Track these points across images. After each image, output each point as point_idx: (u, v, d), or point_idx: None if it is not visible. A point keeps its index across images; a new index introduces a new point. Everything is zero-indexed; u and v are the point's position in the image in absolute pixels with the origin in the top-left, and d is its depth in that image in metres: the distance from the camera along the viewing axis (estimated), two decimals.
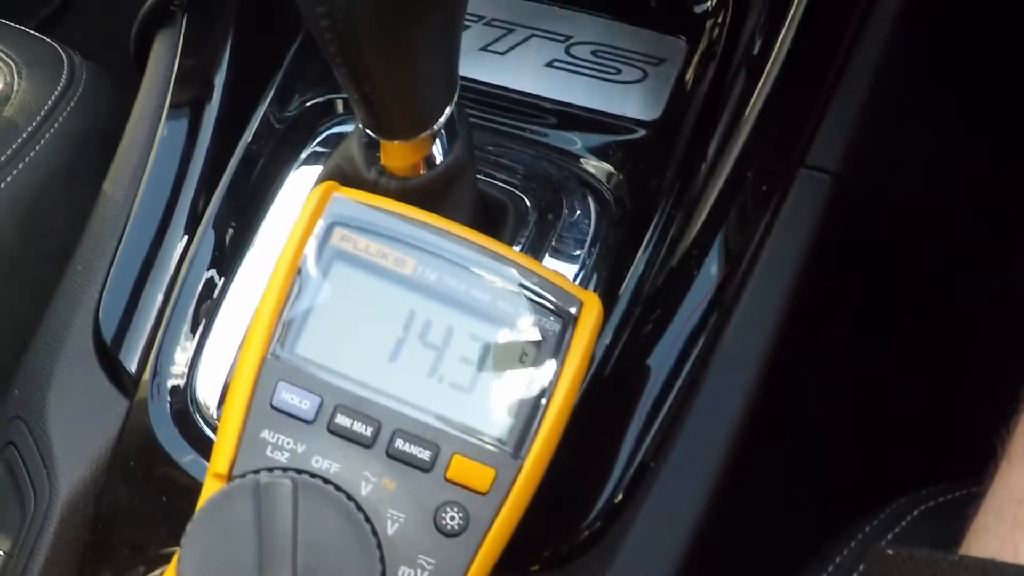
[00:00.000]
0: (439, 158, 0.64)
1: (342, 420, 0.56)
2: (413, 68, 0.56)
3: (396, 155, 0.63)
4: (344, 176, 0.65)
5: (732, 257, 0.66)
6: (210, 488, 0.56)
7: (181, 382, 0.72)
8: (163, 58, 0.80)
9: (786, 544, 0.67)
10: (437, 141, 0.63)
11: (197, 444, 0.70)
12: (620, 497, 0.64)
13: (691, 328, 0.66)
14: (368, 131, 0.62)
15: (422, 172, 0.64)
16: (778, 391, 0.66)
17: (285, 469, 0.55)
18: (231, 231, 0.76)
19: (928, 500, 0.63)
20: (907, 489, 0.65)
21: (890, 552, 0.50)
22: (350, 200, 0.60)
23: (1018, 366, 0.57)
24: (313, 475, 0.55)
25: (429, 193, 0.64)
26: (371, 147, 0.63)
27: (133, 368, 0.73)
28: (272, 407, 0.56)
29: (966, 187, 0.86)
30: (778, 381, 0.66)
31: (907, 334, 0.93)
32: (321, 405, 0.56)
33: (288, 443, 0.56)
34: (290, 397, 0.56)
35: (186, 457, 0.70)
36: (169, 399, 0.72)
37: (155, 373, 0.72)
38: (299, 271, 0.59)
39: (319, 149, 0.79)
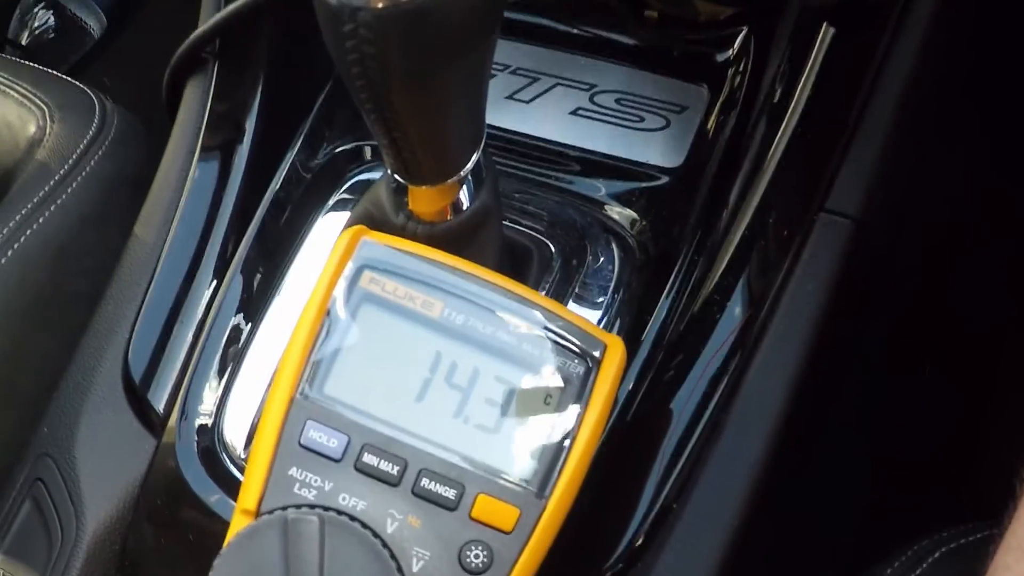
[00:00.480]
0: (466, 204, 0.66)
1: (369, 459, 0.58)
2: (441, 115, 0.58)
3: (424, 200, 0.65)
4: (372, 220, 0.67)
5: (753, 302, 0.68)
6: (238, 524, 0.58)
7: (208, 422, 0.74)
8: (195, 103, 0.82)
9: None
10: (464, 187, 0.65)
11: (223, 483, 0.72)
12: (641, 540, 0.65)
13: (713, 372, 0.67)
14: (397, 176, 0.64)
15: (449, 217, 0.66)
16: (799, 434, 0.68)
17: (312, 506, 0.57)
18: (259, 276, 0.79)
19: (950, 542, 0.65)
20: (929, 530, 0.66)
21: None
22: (379, 244, 0.62)
23: None
24: (340, 512, 0.57)
25: (456, 238, 0.66)
26: (399, 192, 0.66)
27: (161, 408, 0.75)
28: (300, 445, 0.58)
29: (991, 226, 0.88)
30: (799, 424, 0.67)
31: (929, 380, 0.95)
32: (349, 444, 0.58)
33: (316, 480, 0.58)
34: (318, 436, 0.58)
35: (212, 496, 0.72)
36: (196, 438, 0.74)
37: (183, 413, 0.74)
38: (328, 312, 0.61)
39: (346, 196, 0.82)
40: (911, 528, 0.67)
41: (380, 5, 0.51)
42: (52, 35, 1.40)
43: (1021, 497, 0.51)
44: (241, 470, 0.72)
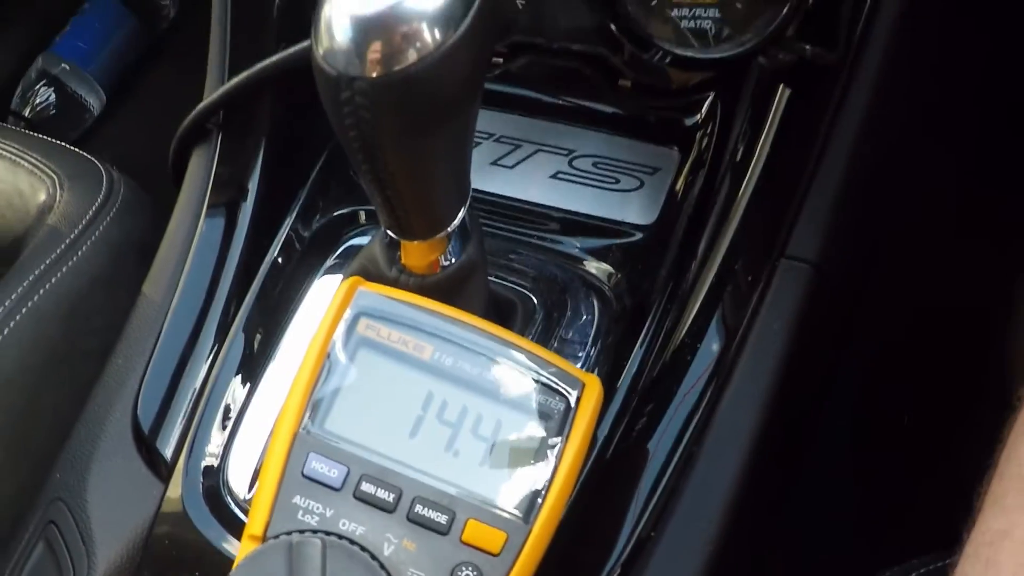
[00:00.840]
0: (454, 258, 0.72)
1: (367, 487, 0.63)
2: (430, 173, 0.65)
3: (415, 254, 0.71)
4: (367, 274, 0.73)
5: (723, 342, 0.74)
6: (246, 548, 0.63)
7: (213, 468, 0.79)
8: (200, 171, 0.89)
9: None
10: (452, 242, 0.71)
11: (227, 524, 0.77)
12: (620, 570, 0.71)
13: (687, 408, 0.73)
14: (390, 232, 0.70)
15: (438, 270, 0.72)
16: (770, 465, 0.74)
17: (315, 531, 0.62)
18: (259, 334, 0.84)
19: (918, 568, 0.70)
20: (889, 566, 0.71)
21: None
22: (374, 293, 0.69)
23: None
24: (340, 536, 0.62)
25: (445, 289, 0.72)
26: (392, 247, 0.72)
27: (169, 455, 0.80)
28: (303, 475, 0.64)
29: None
30: (769, 456, 0.73)
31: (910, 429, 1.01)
32: (348, 474, 0.64)
33: (318, 508, 0.63)
34: (320, 467, 0.64)
35: (217, 536, 0.77)
36: (202, 482, 0.79)
37: (189, 460, 0.80)
38: (328, 355, 0.67)
39: (339, 260, 0.88)
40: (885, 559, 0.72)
41: (374, 75, 0.58)
42: (53, 111, 1.47)
43: (977, 509, 0.57)
44: (244, 511, 0.77)
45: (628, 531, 0.71)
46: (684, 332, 0.76)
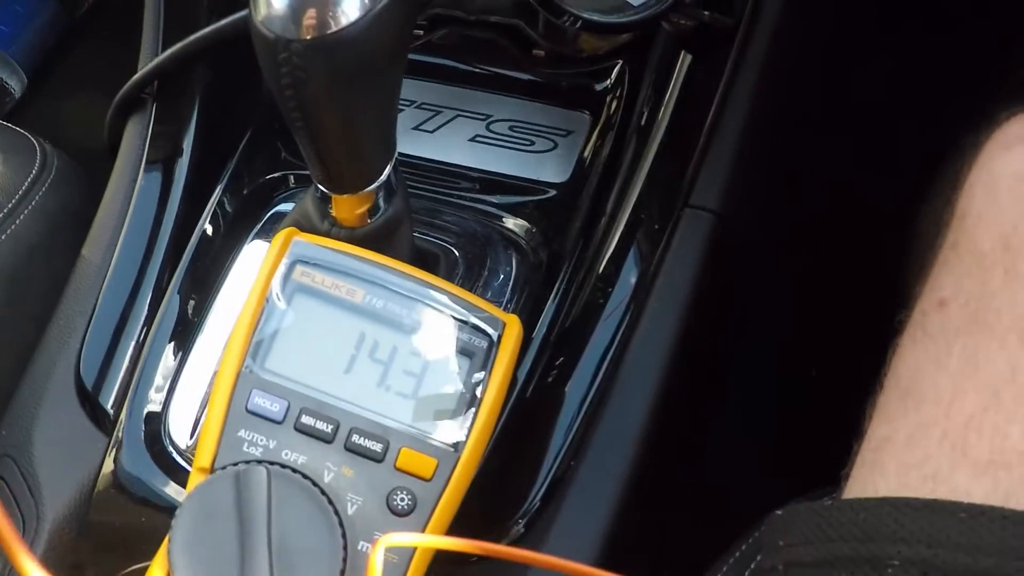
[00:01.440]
0: (381, 211, 0.78)
1: (307, 420, 0.69)
2: (359, 130, 0.71)
3: (345, 207, 0.76)
4: (300, 227, 0.78)
5: (631, 287, 0.81)
6: (195, 479, 0.68)
7: (153, 417, 0.84)
8: (135, 140, 0.93)
9: (696, 540, 0.80)
10: (379, 196, 0.77)
11: (169, 471, 0.82)
12: (543, 493, 0.77)
13: (600, 349, 0.80)
14: (321, 187, 0.76)
15: (367, 223, 0.78)
16: (678, 398, 0.81)
17: (260, 461, 0.68)
18: (195, 294, 0.89)
19: (821, 496, 0.77)
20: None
21: (779, 512, 0.63)
22: (309, 243, 0.74)
23: None
24: (284, 466, 0.67)
25: (373, 240, 0.78)
26: (324, 201, 0.77)
27: (111, 409, 0.85)
28: (247, 411, 0.69)
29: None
30: (677, 389, 0.80)
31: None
32: (288, 408, 0.69)
33: (262, 440, 0.69)
34: (263, 402, 0.69)
35: (160, 482, 0.82)
36: (143, 432, 0.83)
37: (131, 412, 0.84)
38: (267, 300, 0.72)
39: (269, 225, 0.93)
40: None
41: (308, 37, 0.63)
42: None
43: (866, 425, 0.64)
44: (185, 459, 0.82)
45: (548, 464, 0.78)
46: (596, 279, 0.83)
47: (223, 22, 0.89)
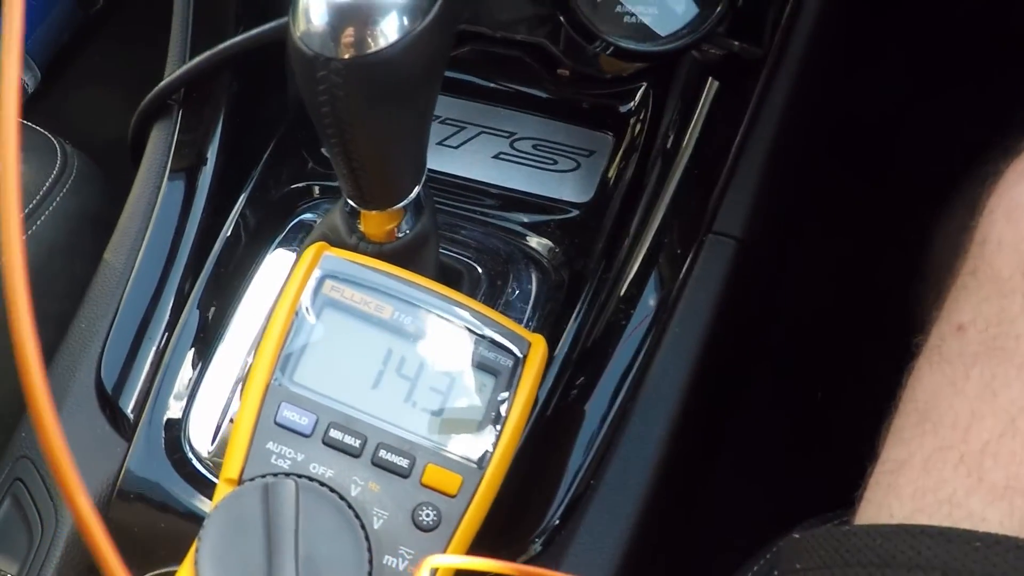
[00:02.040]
0: (409, 228, 0.79)
1: (335, 434, 0.70)
2: (393, 148, 0.72)
3: (374, 223, 0.78)
4: (328, 241, 0.80)
5: (654, 310, 0.82)
6: (222, 491, 0.69)
7: (174, 423, 0.85)
8: (161, 145, 0.94)
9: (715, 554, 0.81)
10: (408, 213, 0.78)
11: (189, 477, 0.83)
12: (562, 511, 0.78)
13: (621, 369, 0.81)
14: (351, 202, 0.77)
15: (395, 239, 0.79)
16: (696, 426, 0.82)
17: (288, 474, 0.69)
18: (216, 301, 0.90)
19: (832, 520, 0.78)
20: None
21: (796, 536, 0.65)
22: (338, 257, 0.76)
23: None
24: (311, 479, 0.69)
25: (400, 256, 0.79)
26: (353, 216, 0.78)
27: (131, 414, 0.86)
28: (276, 423, 0.70)
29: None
30: (697, 411, 0.81)
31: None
32: (317, 422, 0.70)
33: (290, 452, 0.70)
34: (291, 415, 0.71)
35: (179, 489, 0.83)
36: (163, 438, 0.84)
37: (151, 417, 0.85)
38: (296, 314, 0.73)
39: (292, 234, 0.94)
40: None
41: (347, 57, 0.64)
42: None
43: (880, 445, 0.65)
44: (205, 465, 0.83)
45: (569, 481, 0.79)
46: (618, 300, 0.84)
47: (253, 32, 0.90)
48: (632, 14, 0.80)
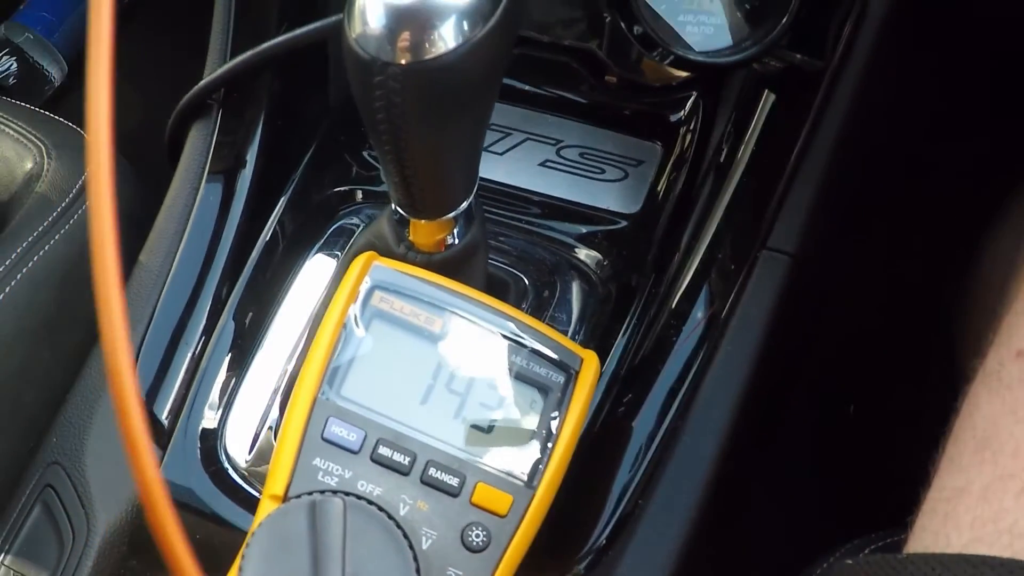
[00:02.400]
0: (459, 238, 0.77)
1: (384, 451, 0.69)
2: (448, 157, 0.70)
3: (424, 233, 0.76)
4: (375, 250, 0.78)
5: (706, 326, 0.81)
6: (266, 507, 0.68)
7: (210, 433, 0.83)
8: (199, 145, 0.92)
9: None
10: (459, 223, 0.76)
11: (226, 490, 0.81)
12: (610, 531, 0.77)
13: (671, 385, 0.80)
14: (401, 211, 0.75)
15: (444, 248, 0.77)
16: (746, 444, 0.80)
17: (335, 491, 0.67)
18: (254, 307, 0.89)
19: (875, 541, 0.77)
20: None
21: (849, 562, 0.63)
22: (388, 268, 0.74)
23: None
24: (359, 497, 0.67)
25: (449, 266, 0.77)
26: (401, 224, 0.77)
27: (165, 421, 0.84)
28: (323, 439, 0.69)
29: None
30: (748, 429, 0.80)
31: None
32: (365, 438, 0.69)
33: (337, 469, 0.68)
34: (339, 430, 0.69)
35: (216, 501, 0.81)
36: (199, 448, 0.83)
37: (186, 426, 0.84)
38: (345, 326, 0.72)
39: (333, 238, 0.92)
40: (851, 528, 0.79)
41: (403, 62, 0.62)
42: (14, 80, 1.48)
43: (932, 471, 0.64)
44: (242, 476, 0.82)
45: (616, 499, 0.78)
46: (669, 315, 0.82)
47: (297, 32, 0.88)
48: (695, 24, 0.79)
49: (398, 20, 0.61)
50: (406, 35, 0.61)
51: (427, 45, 0.61)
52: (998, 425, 0.63)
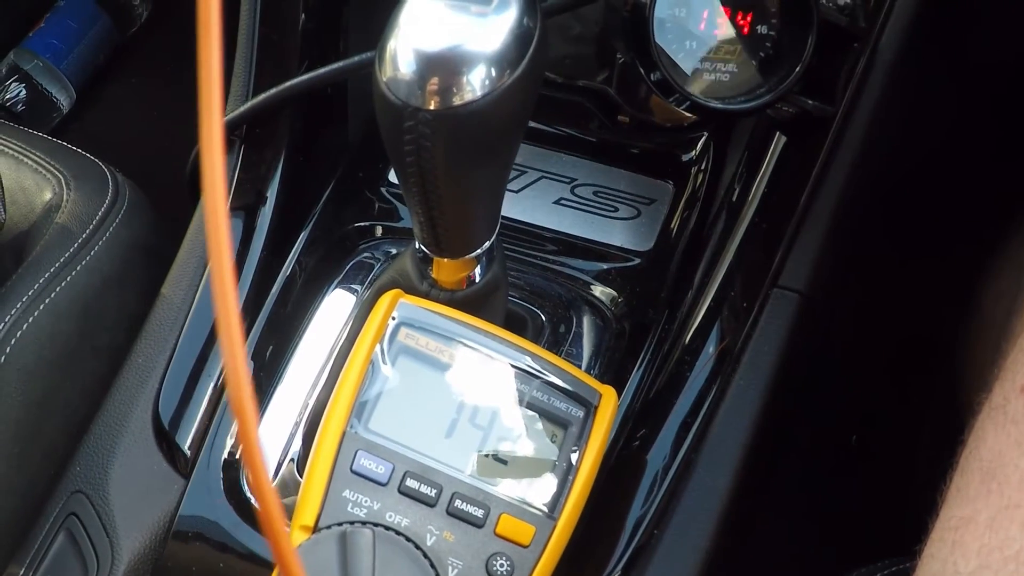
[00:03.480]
0: (481, 275, 0.80)
1: (411, 483, 0.72)
2: (474, 199, 0.73)
3: (447, 271, 0.79)
4: (398, 286, 0.81)
5: (718, 360, 0.84)
6: (297, 538, 0.70)
7: (232, 463, 0.86)
8: None
9: None
10: (481, 261, 0.79)
11: (248, 518, 0.84)
12: (626, 559, 0.80)
13: (685, 419, 0.83)
14: (425, 249, 0.78)
15: (466, 286, 0.80)
16: (757, 475, 0.84)
17: (364, 522, 0.70)
18: (275, 340, 0.91)
19: (883, 569, 0.80)
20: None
21: None
22: (414, 305, 0.77)
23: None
24: (388, 528, 0.70)
25: (471, 303, 0.80)
26: (425, 262, 0.80)
27: (188, 451, 0.86)
28: (352, 471, 0.72)
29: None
30: (756, 467, 0.83)
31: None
32: (393, 471, 0.72)
33: (366, 501, 0.71)
34: (368, 463, 0.72)
35: (239, 531, 0.83)
36: (222, 477, 0.86)
37: (209, 456, 0.86)
38: (372, 362, 0.75)
39: (352, 273, 0.95)
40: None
41: (434, 107, 0.64)
42: (22, 107, 1.50)
43: (940, 502, 0.67)
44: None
45: (632, 530, 0.81)
46: (682, 351, 0.86)
47: (320, 71, 0.92)
48: (711, 72, 0.82)
49: (428, 66, 0.64)
50: (436, 81, 0.64)
51: (457, 92, 0.64)
52: (1004, 457, 0.67)
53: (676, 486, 0.81)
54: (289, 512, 0.79)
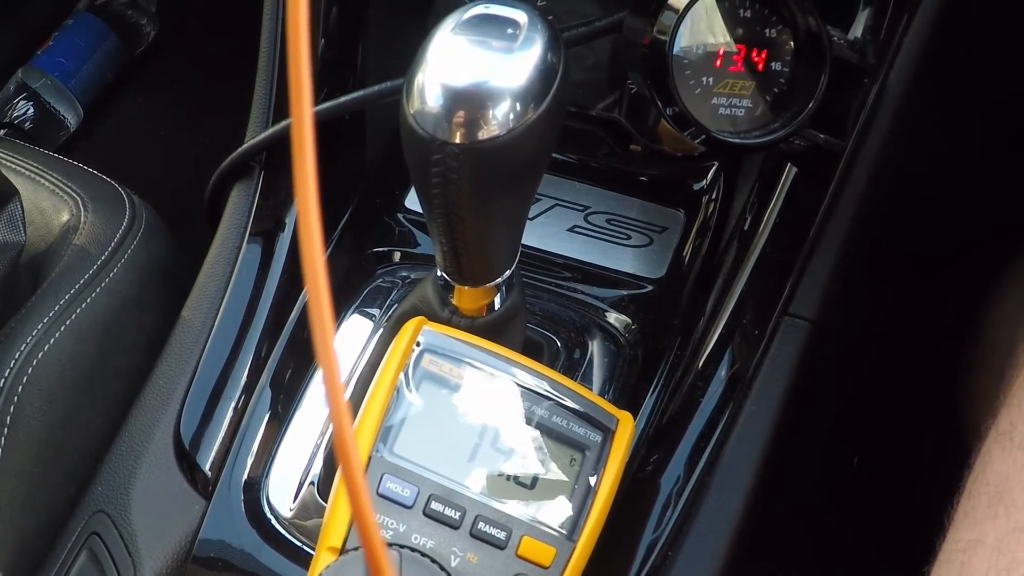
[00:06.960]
0: (501, 302, 0.84)
1: (436, 506, 0.75)
2: (497, 230, 0.77)
3: (468, 298, 0.83)
4: (419, 313, 0.85)
5: (730, 387, 0.88)
6: (324, 559, 0.74)
7: (253, 484, 0.89)
8: (241, 205, 0.99)
9: None
10: (501, 289, 0.83)
11: (270, 540, 0.87)
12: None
13: (699, 445, 0.86)
14: (447, 277, 0.82)
15: (486, 313, 0.84)
16: (767, 497, 0.87)
17: (390, 544, 0.74)
18: (293, 363, 0.95)
19: None
20: None
21: None
22: (437, 332, 0.81)
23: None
24: (413, 549, 0.74)
25: (491, 330, 0.84)
26: (446, 289, 0.83)
27: (209, 472, 0.90)
28: (379, 494, 0.75)
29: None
30: (766, 490, 0.87)
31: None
32: (418, 494, 0.75)
33: (392, 523, 0.75)
34: (394, 486, 0.75)
35: (260, 552, 0.87)
36: (243, 499, 0.89)
37: (230, 477, 0.89)
38: (396, 387, 0.78)
39: (369, 298, 0.99)
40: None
41: (461, 140, 0.67)
42: (30, 125, 1.53)
43: (948, 524, 0.71)
44: (284, 526, 0.88)
45: (646, 551, 0.84)
46: (695, 376, 0.90)
47: (340, 100, 0.95)
48: (727, 107, 0.86)
49: (455, 101, 0.67)
50: (462, 115, 0.67)
51: (483, 126, 0.67)
52: (1010, 481, 0.70)
53: (689, 509, 0.85)
54: (314, 535, 0.83)
